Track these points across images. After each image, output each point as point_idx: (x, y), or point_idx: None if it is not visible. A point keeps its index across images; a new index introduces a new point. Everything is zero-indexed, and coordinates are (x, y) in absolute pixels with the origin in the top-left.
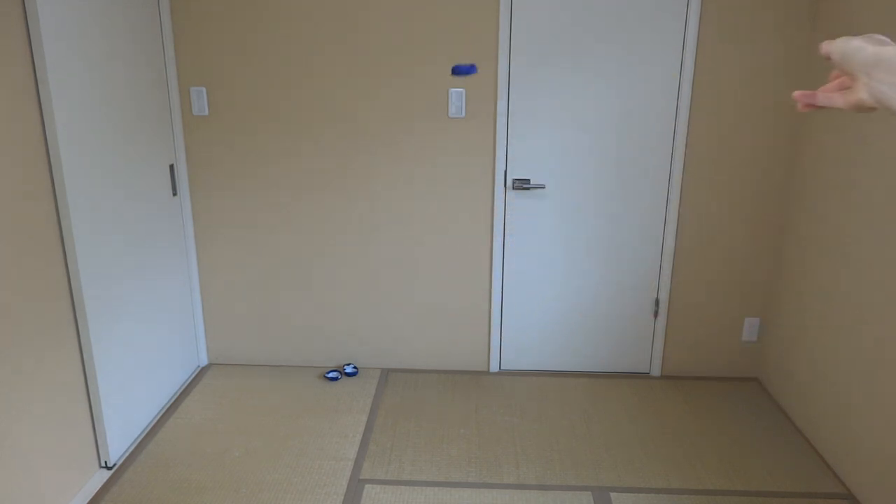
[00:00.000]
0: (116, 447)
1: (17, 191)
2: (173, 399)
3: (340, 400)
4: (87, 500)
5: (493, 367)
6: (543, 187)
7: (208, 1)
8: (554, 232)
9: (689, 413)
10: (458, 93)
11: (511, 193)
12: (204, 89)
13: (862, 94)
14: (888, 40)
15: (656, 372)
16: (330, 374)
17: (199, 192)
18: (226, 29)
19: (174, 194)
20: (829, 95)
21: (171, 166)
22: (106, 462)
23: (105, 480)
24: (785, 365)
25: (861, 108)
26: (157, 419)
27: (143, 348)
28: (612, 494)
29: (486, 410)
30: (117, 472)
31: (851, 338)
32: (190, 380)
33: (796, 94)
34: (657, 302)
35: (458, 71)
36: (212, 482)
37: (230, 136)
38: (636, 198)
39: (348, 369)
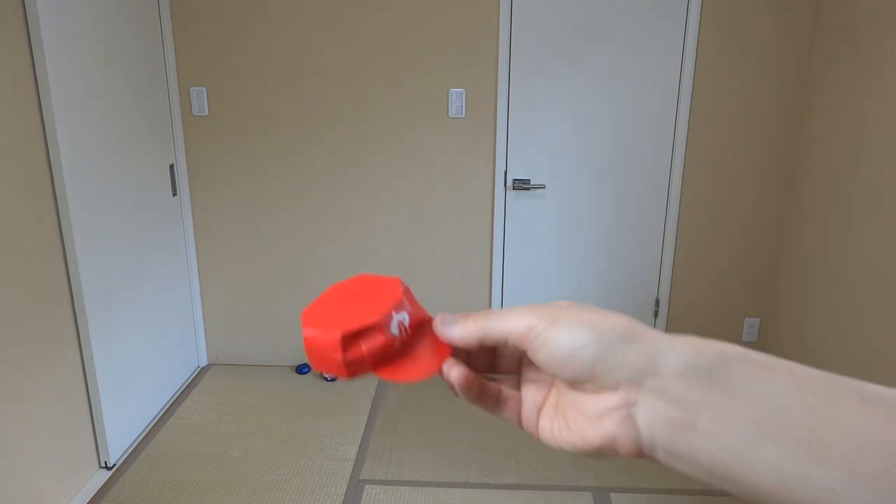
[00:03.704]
0: (116, 447)
1: (16, 191)
2: (173, 399)
3: (340, 400)
4: (87, 501)
5: None
6: (543, 187)
7: (208, 1)
8: (554, 232)
9: None
10: (458, 93)
11: (511, 194)
12: (204, 89)
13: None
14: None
15: None
16: (327, 374)
17: (199, 192)
18: (226, 29)
19: (174, 194)
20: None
21: (171, 166)
22: (106, 462)
23: (105, 481)
24: None
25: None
26: (157, 419)
27: (143, 348)
28: (612, 494)
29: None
30: (117, 473)
31: (852, 338)
32: (190, 380)
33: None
34: (657, 302)
35: None
36: (212, 482)
37: (230, 137)
38: (636, 198)
39: None
